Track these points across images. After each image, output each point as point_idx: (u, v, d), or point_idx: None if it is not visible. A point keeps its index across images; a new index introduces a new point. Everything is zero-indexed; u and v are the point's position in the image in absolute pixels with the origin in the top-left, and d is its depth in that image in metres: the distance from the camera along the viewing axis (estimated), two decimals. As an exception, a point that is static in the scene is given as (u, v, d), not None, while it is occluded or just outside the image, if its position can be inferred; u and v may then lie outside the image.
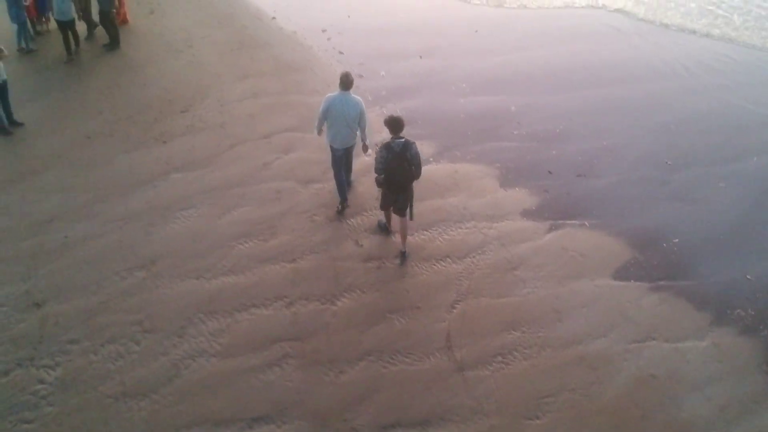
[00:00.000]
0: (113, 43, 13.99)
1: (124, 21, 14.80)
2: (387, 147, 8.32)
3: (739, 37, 16.08)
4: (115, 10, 13.70)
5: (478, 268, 8.89)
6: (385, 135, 8.72)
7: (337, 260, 8.84)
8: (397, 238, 9.15)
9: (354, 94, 9.11)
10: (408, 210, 8.66)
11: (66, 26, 13.24)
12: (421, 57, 14.50)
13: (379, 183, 8.64)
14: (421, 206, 9.73)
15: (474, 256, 9.06)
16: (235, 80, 13.06)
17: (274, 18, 15.99)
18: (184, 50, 14.12)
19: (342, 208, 9.70)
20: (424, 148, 10.98)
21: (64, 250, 8.83)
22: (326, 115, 9.09)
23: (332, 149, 9.37)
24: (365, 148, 9.53)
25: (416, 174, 8.47)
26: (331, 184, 10.03)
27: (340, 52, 14.00)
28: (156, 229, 9.22)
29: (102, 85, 12.77)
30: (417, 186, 9.81)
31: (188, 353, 7.48)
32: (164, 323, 7.82)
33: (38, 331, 7.66)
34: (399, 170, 8.33)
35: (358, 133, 9.28)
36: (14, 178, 10.17)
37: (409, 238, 9.10)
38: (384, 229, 9.32)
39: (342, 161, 9.54)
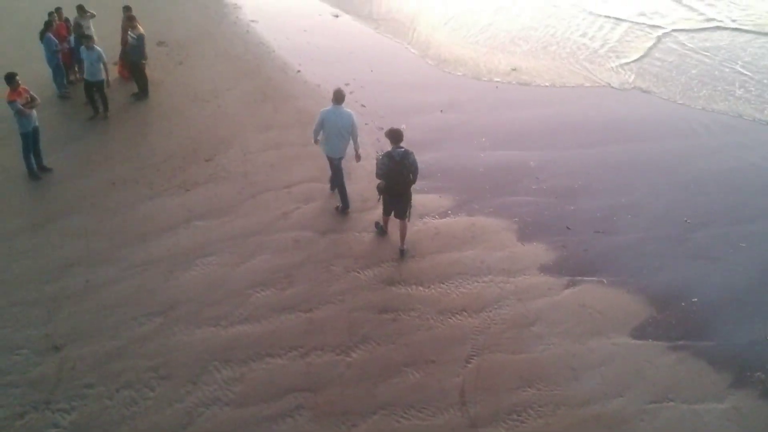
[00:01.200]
0: (142, 93, 14.43)
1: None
2: (388, 155, 9.28)
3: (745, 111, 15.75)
4: (144, 61, 14.13)
5: (494, 322, 8.85)
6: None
7: (352, 311, 8.87)
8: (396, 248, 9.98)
9: (346, 108, 10.17)
10: (407, 212, 9.64)
11: (94, 87, 13.31)
12: (441, 111, 14.71)
13: (380, 189, 9.53)
14: (438, 258, 9.84)
15: (490, 311, 9.03)
16: (258, 131, 13.36)
17: (299, 71, 16.37)
18: (210, 101, 14.51)
19: (343, 210, 10.77)
20: (442, 201, 11.16)
21: (85, 294, 8.98)
22: (321, 127, 10.15)
23: (329, 159, 10.47)
24: (358, 158, 10.56)
25: (413, 180, 9.43)
26: (348, 235, 10.25)
27: (363, 105, 14.25)
28: (175, 276, 9.35)
29: (129, 133, 13.14)
30: (434, 240, 9.90)
31: (202, 401, 7.50)
32: (179, 370, 7.86)
33: (55, 374, 7.74)
34: (398, 176, 9.30)
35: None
36: (40, 221, 10.42)
37: (425, 291, 9.25)
38: (381, 231, 10.24)
39: (340, 169, 10.51)
